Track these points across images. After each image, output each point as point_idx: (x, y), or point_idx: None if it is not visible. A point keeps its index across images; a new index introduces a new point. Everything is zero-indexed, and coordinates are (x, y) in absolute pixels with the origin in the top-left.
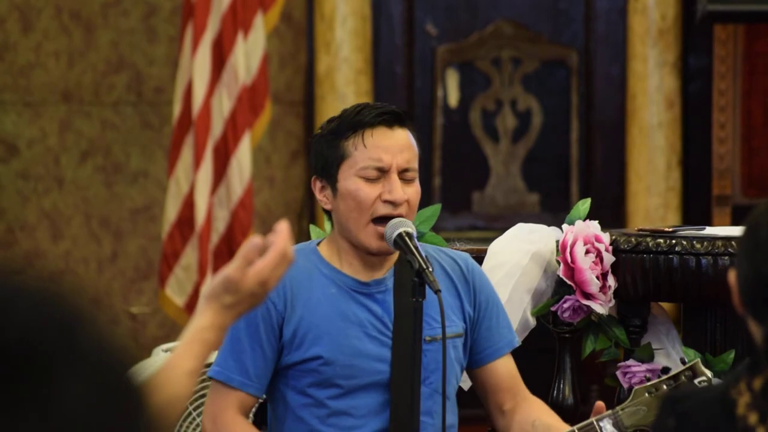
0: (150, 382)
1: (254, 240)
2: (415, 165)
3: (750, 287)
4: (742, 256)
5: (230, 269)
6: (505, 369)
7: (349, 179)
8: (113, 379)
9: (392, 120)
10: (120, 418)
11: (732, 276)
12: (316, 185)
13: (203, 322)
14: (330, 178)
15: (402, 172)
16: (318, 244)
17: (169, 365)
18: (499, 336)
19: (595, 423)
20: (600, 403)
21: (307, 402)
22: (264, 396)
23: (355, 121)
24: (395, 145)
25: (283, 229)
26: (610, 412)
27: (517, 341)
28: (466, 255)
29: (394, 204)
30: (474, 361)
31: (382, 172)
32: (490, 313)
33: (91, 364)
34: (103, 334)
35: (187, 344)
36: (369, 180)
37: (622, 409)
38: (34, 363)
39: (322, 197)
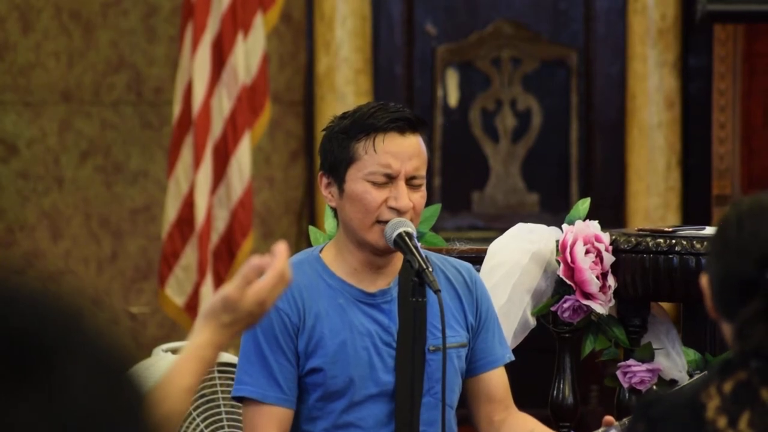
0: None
1: (253, 260)
2: (423, 172)
3: (723, 284)
4: (713, 257)
5: (229, 289)
6: (499, 380)
7: (356, 182)
8: (114, 370)
9: (405, 126)
10: (121, 407)
11: (704, 280)
12: (323, 181)
13: (201, 339)
14: (337, 177)
15: (410, 179)
16: (321, 250)
17: (167, 381)
18: (494, 348)
19: None
20: (609, 418)
21: (315, 415)
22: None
23: (367, 124)
24: (405, 152)
25: (281, 250)
26: (617, 423)
27: (512, 357)
28: (469, 265)
29: (399, 211)
30: (468, 370)
31: (390, 178)
32: (488, 325)
33: (92, 355)
34: (103, 329)
35: (185, 361)
36: (376, 184)
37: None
38: (36, 353)
39: (328, 194)
